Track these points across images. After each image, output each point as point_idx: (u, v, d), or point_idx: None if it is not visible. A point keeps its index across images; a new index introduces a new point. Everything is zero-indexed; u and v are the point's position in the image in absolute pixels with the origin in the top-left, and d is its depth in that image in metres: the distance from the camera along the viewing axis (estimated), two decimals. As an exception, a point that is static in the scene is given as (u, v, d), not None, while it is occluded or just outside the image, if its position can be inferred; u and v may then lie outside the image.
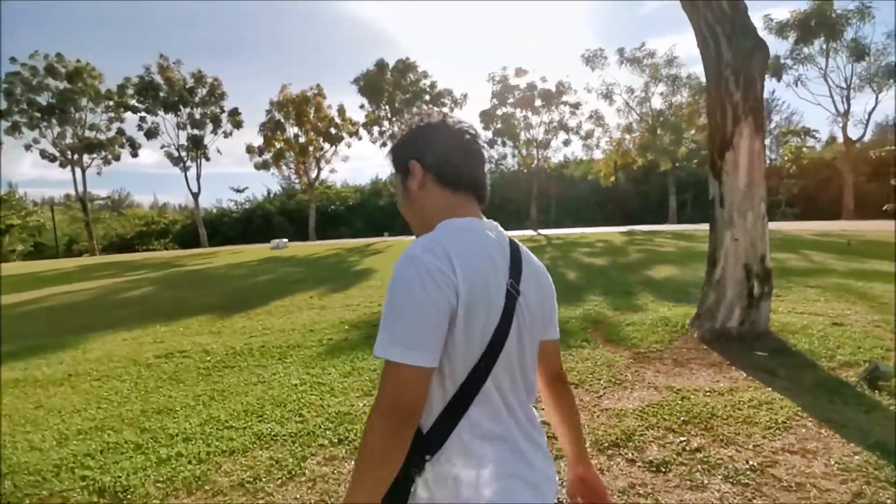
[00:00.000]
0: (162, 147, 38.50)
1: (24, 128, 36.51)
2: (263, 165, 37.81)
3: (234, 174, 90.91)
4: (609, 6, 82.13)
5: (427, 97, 35.05)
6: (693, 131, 31.11)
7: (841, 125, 31.24)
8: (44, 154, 37.53)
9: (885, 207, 30.61)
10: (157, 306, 9.26)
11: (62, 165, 38.21)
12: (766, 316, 5.08)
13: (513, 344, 0.99)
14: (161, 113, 37.67)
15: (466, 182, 1.06)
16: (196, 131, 38.66)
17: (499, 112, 33.98)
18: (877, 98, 29.48)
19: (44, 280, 16.52)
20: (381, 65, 34.45)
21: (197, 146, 38.08)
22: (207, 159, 39.45)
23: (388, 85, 33.92)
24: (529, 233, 26.36)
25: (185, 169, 38.79)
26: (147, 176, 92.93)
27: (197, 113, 38.68)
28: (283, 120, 37.45)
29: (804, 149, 36.49)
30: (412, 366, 0.87)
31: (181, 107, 37.55)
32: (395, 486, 0.92)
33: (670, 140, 30.98)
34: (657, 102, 31.79)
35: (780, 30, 27.92)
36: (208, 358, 5.47)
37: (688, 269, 10.17)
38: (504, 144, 34.33)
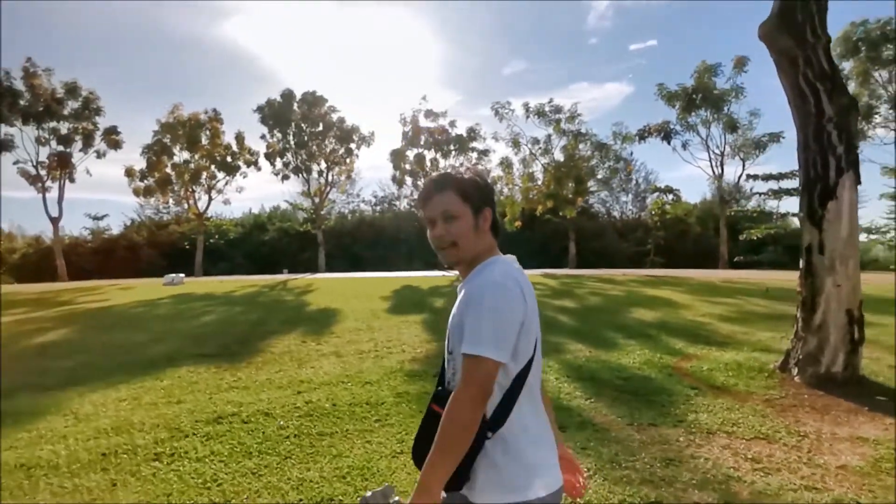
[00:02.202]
0: (16, 163, 33.13)
1: None
2: (146, 192, 33.99)
3: (89, 200, 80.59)
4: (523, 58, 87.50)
5: (335, 132, 34.31)
6: (592, 183, 33.80)
7: (716, 186, 35.60)
8: None
9: (736, 259, 35.53)
10: (119, 355, 7.60)
11: None
12: (861, 360, 5.37)
13: (539, 349, 1.40)
14: (18, 124, 32.46)
15: (499, 233, 1.51)
16: (62, 147, 33.78)
17: (408, 153, 34.24)
18: (743, 165, 34.24)
19: None
20: (287, 95, 33.27)
21: (63, 165, 33.20)
22: (72, 181, 34.54)
23: (297, 116, 32.67)
24: (437, 273, 26.39)
25: (45, 190, 33.60)
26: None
27: (64, 127, 33.93)
28: (170, 144, 34.23)
29: (667, 205, 41.45)
30: (496, 360, 1.23)
31: (47, 119, 32.67)
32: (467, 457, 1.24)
33: (575, 190, 33.30)
34: (559, 154, 34.07)
35: (669, 98, 31.83)
36: (280, 422, 4.47)
37: (663, 311, 10.77)
38: (415, 185, 34.47)
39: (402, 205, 48.73)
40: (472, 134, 34.00)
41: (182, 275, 25.53)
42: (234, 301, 14.96)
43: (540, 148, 34.31)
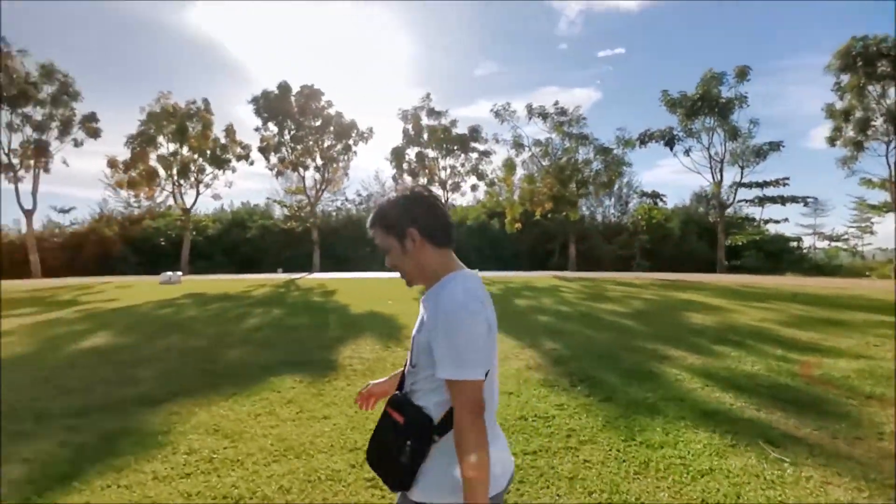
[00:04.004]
0: (-14, 149, 30.98)
1: None
2: (130, 185, 32.34)
3: (53, 193, 76.57)
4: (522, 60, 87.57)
5: (333, 127, 33.42)
6: (592, 187, 33.96)
7: (716, 193, 36.18)
8: None
9: (729, 263, 36.30)
10: (196, 363, 6.87)
11: None
12: None
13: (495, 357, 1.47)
14: (-12, 107, 30.39)
15: (449, 239, 1.48)
16: (36, 135, 31.83)
17: (409, 151, 33.70)
18: (742, 173, 34.88)
19: None
20: (283, 87, 32.19)
21: (41, 153, 31.26)
22: (48, 171, 32.58)
23: (295, 109, 31.67)
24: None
25: (17, 180, 31.61)
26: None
27: (38, 113, 31.96)
28: (155, 134, 32.69)
29: (654, 210, 42.21)
30: (479, 379, 1.32)
31: (21, 103, 30.71)
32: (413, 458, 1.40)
33: (580, 193, 33.35)
34: (564, 157, 34.03)
35: (672, 105, 32.27)
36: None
37: (714, 315, 10.77)
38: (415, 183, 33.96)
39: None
40: (474, 134, 33.68)
41: (179, 273, 24.40)
42: (262, 302, 14.22)
43: (541, 150, 34.23)
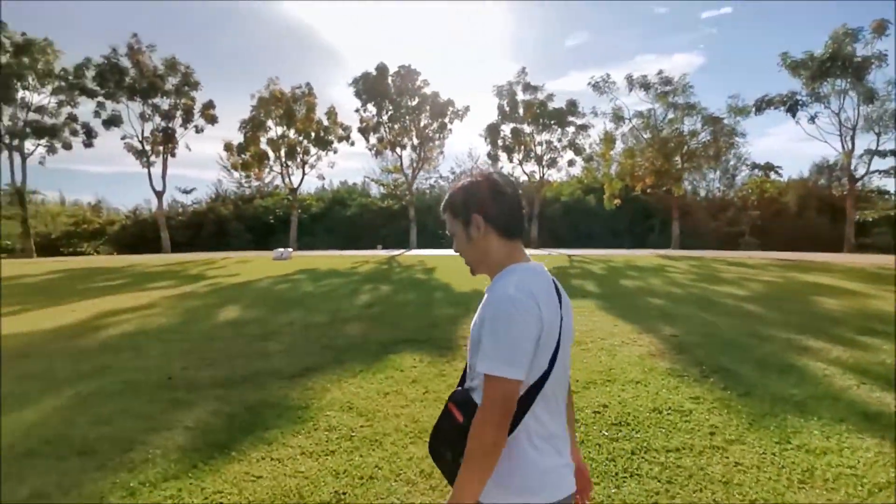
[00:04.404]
0: (123, 138, 34.52)
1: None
2: (244, 167, 34.66)
3: (178, 175, 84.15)
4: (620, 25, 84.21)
5: (428, 106, 33.67)
6: (702, 161, 31.72)
7: (845, 163, 32.56)
8: (-22, 136, 32.45)
9: (859, 242, 32.57)
10: (318, 338, 7.26)
11: (-3, 151, 33.19)
12: None
13: (560, 359, 1.35)
14: (124, 100, 33.68)
15: (517, 230, 1.42)
16: (164, 123, 34.89)
17: (503, 127, 33.25)
18: (878, 140, 31.06)
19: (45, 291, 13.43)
20: (381, 68, 32.77)
21: (168, 140, 34.28)
22: (173, 156, 35.72)
23: (392, 90, 32.20)
24: (541, 252, 25.43)
25: (149, 165, 34.92)
26: (65, 173, 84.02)
27: (165, 103, 34.96)
28: (263, 118, 34.65)
29: (767, 183, 38.58)
30: (515, 380, 1.23)
31: (150, 95, 33.70)
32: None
33: (685, 166, 31.38)
34: (668, 129, 32.08)
35: (794, 68, 29.14)
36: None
37: (847, 300, 9.82)
38: (511, 160, 33.56)
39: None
40: (572, 108, 32.55)
41: (290, 249, 25.92)
42: (369, 278, 14.74)
43: (643, 122, 32.44)
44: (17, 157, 33.79)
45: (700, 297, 10.55)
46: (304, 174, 37.18)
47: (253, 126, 34.26)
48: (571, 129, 33.17)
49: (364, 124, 34.14)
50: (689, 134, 31.75)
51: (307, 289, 12.67)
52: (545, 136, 33.72)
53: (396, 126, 34.00)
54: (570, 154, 34.05)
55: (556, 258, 22.29)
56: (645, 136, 32.92)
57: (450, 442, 1.37)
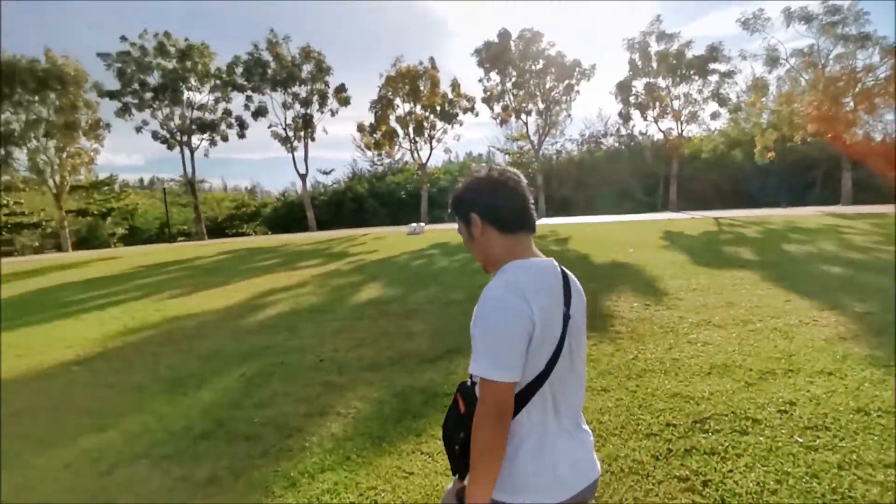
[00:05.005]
0: (269, 127, 37.61)
1: (133, 109, 36.21)
2: (376, 146, 36.08)
3: (318, 157, 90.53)
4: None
5: (553, 69, 32.23)
6: (885, 100, 26.87)
7: None
8: (155, 135, 37.18)
9: None
10: (457, 317, 7.23)
11: (170, 147, 37.85)
12: None
13: (565, 358, 1.32)
14: (268, 91, 36.51)
15: (518, 224, 1.38)
16: (303, 109, 37.35)
17: (635, 83, 30.88)
18: None
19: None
20: (503, 34, 31.88)
21: (307, 125, 36.69)
22: (313, 139, 38.17)
23: (516, 55, 31.23)
24: (681, 216, 23.29)
25: (293, 150, 37.72)
26: (223, 161, 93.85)
27: (303, 91, 37.31)
28: (392, 97, 35.59)
29: None
30: (506, 382, 1.22)
31: (290, 84, 36.12)
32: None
33: (860, 108, 26.92)
34: (835, 66, 27.64)
35: None
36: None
37: None
38: (644, 118, 31.17)
39: (610, 143, 45.10)
40: (714, 53, 29.22)
41: (423, 224, 26.65)
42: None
43: (804, 61, 28.16)
44: (186, 152, 38.33)
45: (893, 265, 8.92)
46: (431, 149, 37.86)
47: (382, 105, 35.36)
48: (714, 78, 29.85)
49: (488, 93, 33.68)
50: (863, 70, 26.99)
51: (442, 263, 12.82)
52: (683, 89, 30.77)
53: (521, 92, 33.10)
54: (712, 106, 30.71)
55: (700, 222, 20.38)
56: (805, 77, 28.61)
57: (453, 431, 1.38)
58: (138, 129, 37.05)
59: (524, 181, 1.42)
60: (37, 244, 44.32)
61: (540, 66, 32.13)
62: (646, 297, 7.47)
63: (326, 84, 37.85)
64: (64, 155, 34.71)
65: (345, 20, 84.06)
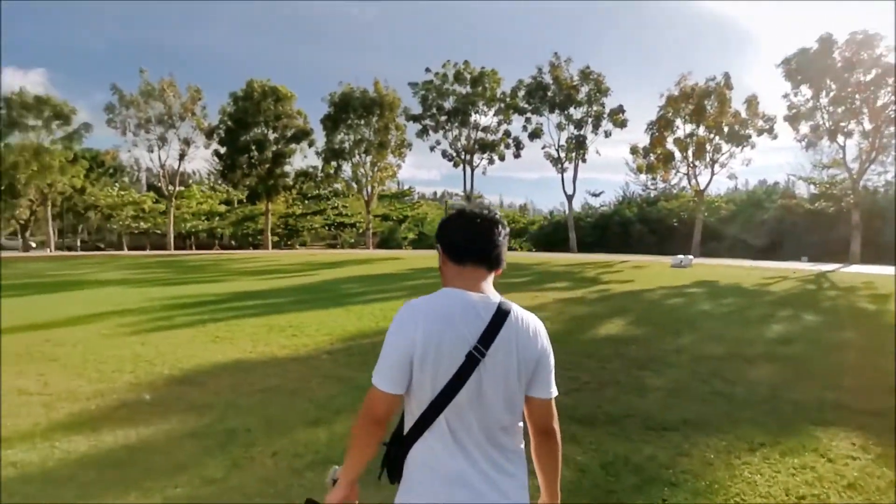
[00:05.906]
0: (543, 147, 38.70)
1: (430, 131, 41.20)
2: (649, 169, 33.96)
3: (589, 179, 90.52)
4: None
5: (891, 79, 25.48)
6: None
7: None
8: (444, 154, 41.66)
9: None
10: (709, 379, 5.92)
11: (455, 165, 41.90)
12: None
13: (470, 395, 1.29)
14: (546, 113, 37.56)
15: (466, 256, 1.41)
16: (576, 131, 37.41)
17: None
18: None
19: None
20: (825, 39, 26.49)
21: (580, 146, 36.65)
22: (584, 161, 37.89)
23: (839, 64, 25.71)
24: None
25: (563, 170, 38.11)
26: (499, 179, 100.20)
27: (578, 112, 37.38)
28: (672, 117, 32.92)
29: None
30: (379, 389, 1.30)
31: (567, 106, 36.55)
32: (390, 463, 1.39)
33: None
34: None
35: None
36: None
37: None
38: None
39: None
40: None
41: (691, 257, 23.89)
42: (785, 301, 12.00)
43: None
44: (467, 169, 41.97)
45: None
46: (712, 174, 33.91)
47: (660, 126, 33.04)
48: None
49: (794, 111, 28.30)
50: None
51: (704, 307, 11.03)
52: None
53: (840, 109, 26.92)
54: None
55: None
56: None
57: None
58: (432, 148, 42.23)
59: (495, 219, 1.45)
60: (352, 241, 54.82)
61: (872, 75, 25.67)
62: None
63: (603, 105, 37.23)
64: (376, 169, 41.93)
65: (628, 39, 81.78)
